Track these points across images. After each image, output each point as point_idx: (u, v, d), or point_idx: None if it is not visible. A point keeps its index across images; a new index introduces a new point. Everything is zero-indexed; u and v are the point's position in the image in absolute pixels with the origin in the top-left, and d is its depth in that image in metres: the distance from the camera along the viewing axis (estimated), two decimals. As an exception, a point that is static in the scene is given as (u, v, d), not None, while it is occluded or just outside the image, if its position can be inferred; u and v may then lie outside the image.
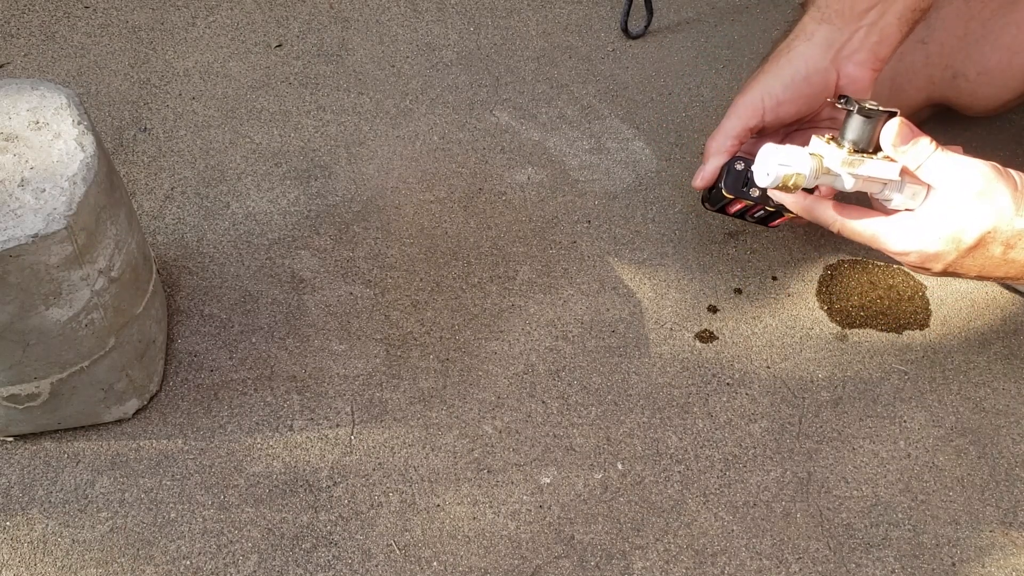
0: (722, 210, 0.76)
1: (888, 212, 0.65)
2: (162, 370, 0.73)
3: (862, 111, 0.64)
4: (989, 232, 0.60)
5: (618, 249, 0.82)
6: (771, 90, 0.70)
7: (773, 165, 0.64)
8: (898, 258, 0.64)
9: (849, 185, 0.65)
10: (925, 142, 0.62)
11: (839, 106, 0.66)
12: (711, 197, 0.75)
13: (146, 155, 0.88)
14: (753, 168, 0.66)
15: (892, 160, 0.63)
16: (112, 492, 0.67)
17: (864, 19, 0.68)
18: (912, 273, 0.68)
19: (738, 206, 0.74)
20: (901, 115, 0.63)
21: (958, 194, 0.61)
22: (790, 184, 0.64)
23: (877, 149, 0.64)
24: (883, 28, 0.68)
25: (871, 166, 0.63)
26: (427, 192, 0.86)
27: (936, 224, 0.62)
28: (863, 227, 0.65)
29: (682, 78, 0.97)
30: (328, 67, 0.97)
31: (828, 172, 0.64)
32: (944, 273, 0.64)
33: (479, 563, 0.65)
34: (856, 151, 0.64)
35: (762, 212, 0.74)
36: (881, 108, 0.63)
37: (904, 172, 0.64)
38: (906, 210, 0.64)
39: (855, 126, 0.64)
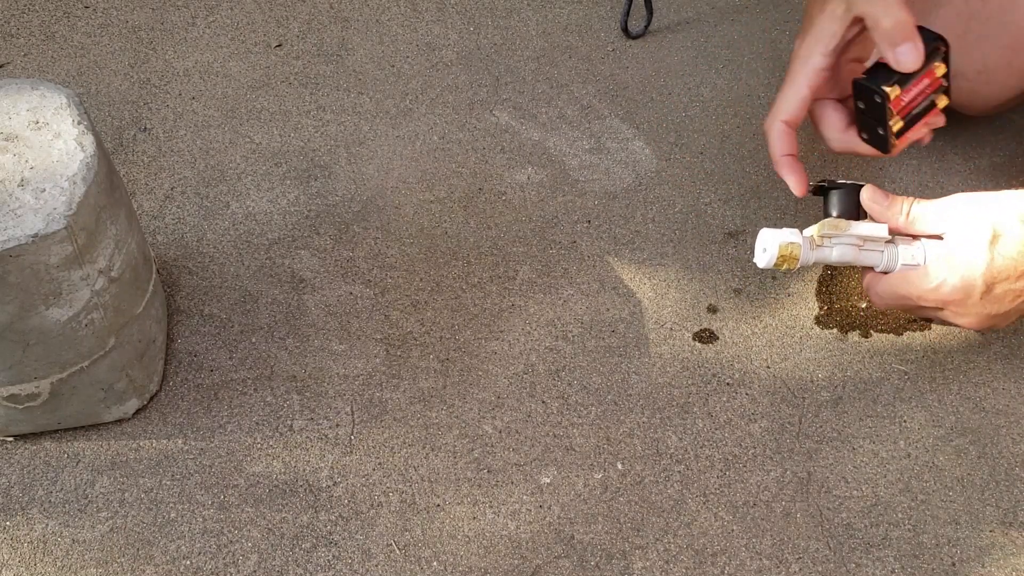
0: (883, 122, 0.70)
1: None
2: (162, 370, 0.73)
3: (835, 185, 0.70)
4: (997, 222, 0.63)
5: (618, 249, 0.82)
6: None
7: (769, 242, 0.68)
8: (936, 297, 0.66)
9: (847, 255, 0.69)
10: (902, 198, 0.68)
11: (814, 193, 0.72)
12: (869, 118, 0.71)
13: (146, 155, 0.88)
14: (756, 247, 0.70)
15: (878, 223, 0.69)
16: (112, 492, 0.67)
17: None
18: (956, 321, 0.68)
19: (903, 96, 0.69)
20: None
21: (955, 215, 0.65)
22: (788, 255, 0.68)
23: (862, 219, 0.70)
24: None
25: (859, 226, 0.68)
26: (427, 192, 0.86)
27: (953, 246, 0.65)
28: (897, 280, 0.68)
29: (682, 78, 0.97)
30: (328, 67, 0.97)
31: (821, 243, 0.69)
32: (988, 292, 0.64)
33: (479, 563, 0.65)
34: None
35: (925, 98, 0.70)
36: (851, 181, 0.70)
37: (893, 233, 0.69)
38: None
39: (835, 200, 0.70)
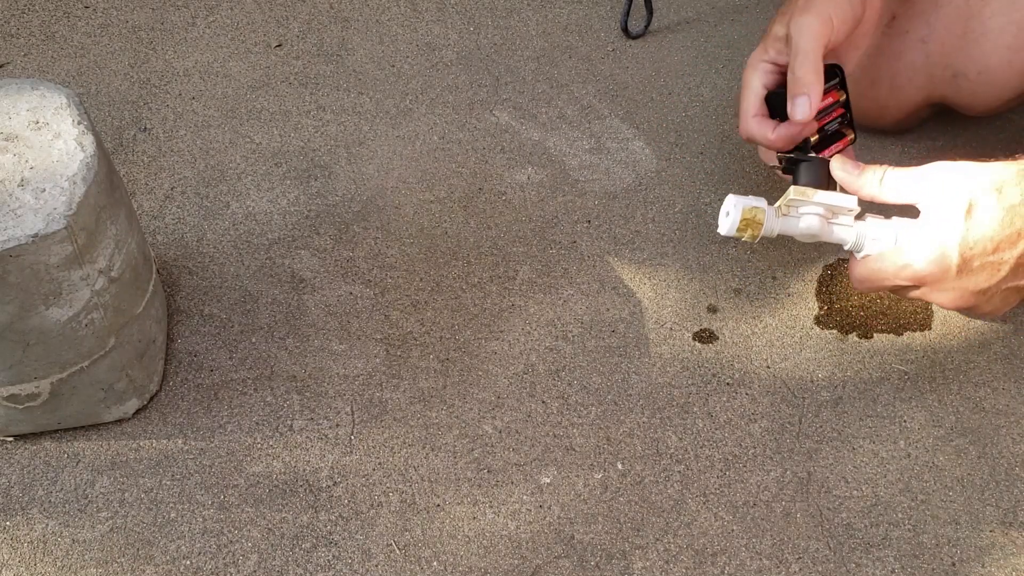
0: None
1: None
2: (162, 370, 0.73)
3: (803, 158, 0.70)
4: (973, 192, 0.61)
5: (618, 249, 0.82)
6: (838, 4, 0.70)
7: (732, 206, 0.66)
8: (911, 273, 0.64)
9: (814, 226, 0.67)
10: (875, 166, 0.67)
11: (779, 163, 0.73)
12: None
13: (146, 155, 0.88)
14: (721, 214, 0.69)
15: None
16: (112, 492, 0.67)
17: None
18: (936, 299, 0.66)
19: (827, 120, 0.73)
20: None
21: (930, 184, 0.63)
22: (751, 219, 0.66)
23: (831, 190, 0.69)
24: None
25: (827, 195, 0.67)
26: (427, 192, 0.86)
27: (926, 218, 0.63)
28: (873, 260, 0.66)
29: (682, 78, 0.97)
30: (328, 67, 0.97)
31: (788, 212, 0.67)
32: (966, 267, 0.62)
33: (479, 563, 0.65)
34: None
35: (832, 119, 0.74)
36: (820, 155, 0.71)
37: (863, 207, 0.68)
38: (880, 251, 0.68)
39: (803, 172, 0.69)
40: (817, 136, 0.73)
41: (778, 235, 0.68)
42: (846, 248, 0.68)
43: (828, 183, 0.69)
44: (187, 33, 1.00)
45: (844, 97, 0.74)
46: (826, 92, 0.72)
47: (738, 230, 0.66)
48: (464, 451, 0.70)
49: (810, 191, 0.67)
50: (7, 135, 0.61)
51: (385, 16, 1.02)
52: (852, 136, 0.75)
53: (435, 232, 0.83)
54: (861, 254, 0.68)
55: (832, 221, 0.67)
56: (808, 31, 0.69)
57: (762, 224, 0.66)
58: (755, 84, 0.75)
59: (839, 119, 0.74)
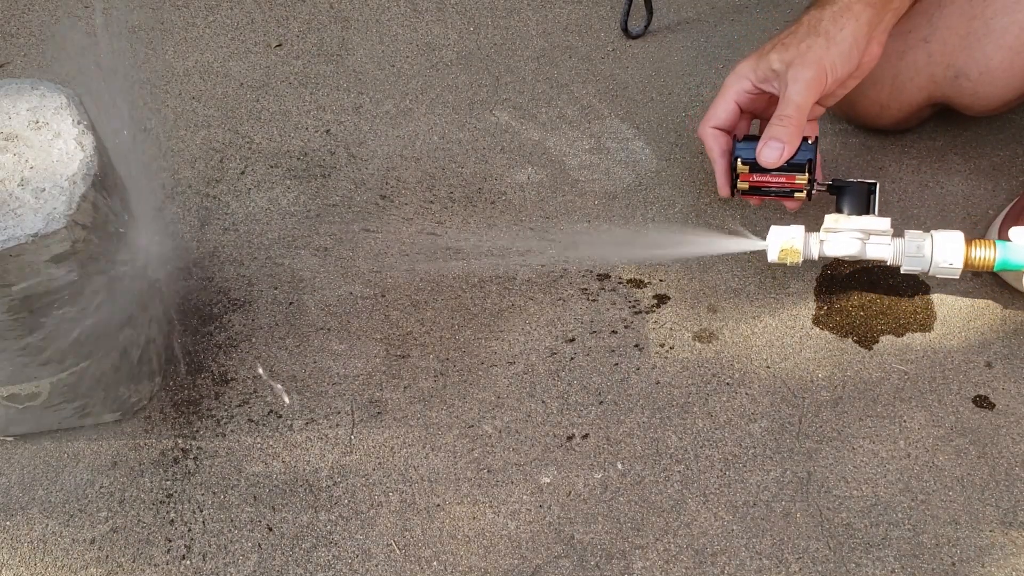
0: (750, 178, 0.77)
1: None
2: (162, 370, 0.73)
3: (844, 183, 0.74)
4: None
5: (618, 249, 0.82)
6: (833, 66, 0.72)
7: (773, 237, 0.73)
8: None
9: (852, 248, 0.72)
10: None
11: (828, 192, 0.76)
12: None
13: (146, 155, 0.88)
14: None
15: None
16: (112, 492, 0.67)
17: (893, 3, 0.74)
18: None
19: (754, 176, 0.76)
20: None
21: None
22: (789, 249, 0.72)
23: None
24: (899, 10, 0.75)
25: (860, 220, 0.72)
26: (427, 192, 0.86)
27: None
28: None
29: (682, 78, 0.97)
30: (328, 67, 0.97)
31: (825, 239, 0.73)
32: None
33: (479, 563, 0.65)
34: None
35: (780, 187, 0.76)
36: (860, 180, 0.74)
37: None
38: (921, 270, 0.72)
39: (845, 197, 0.74)
40: (748, 188, 0.77)
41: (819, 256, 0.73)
42: (888, 263, 0.73)
43: (867, 205, 0.73)
44: (187, 33, 1.00)
45: (807, 178, 0.74)
46: (791, 169, 0.74)
47: (779, 259, 0.73)
48: (464, 451, 0.70)
49: (843, 219, 0.72)
50: (7, 135, 0.61)
51: (385, 16, 1.02)
52: (803, 197, 0.76)
53: (435, 232, 0.83)
54: (904, 268, 0.72)
55: (869, 242, 0.72)
56: (804, 84, 0.71)
57: (800, 252, 0.72)
58: (729, 96, 0.76)
59: (790, 191, 0.76)
